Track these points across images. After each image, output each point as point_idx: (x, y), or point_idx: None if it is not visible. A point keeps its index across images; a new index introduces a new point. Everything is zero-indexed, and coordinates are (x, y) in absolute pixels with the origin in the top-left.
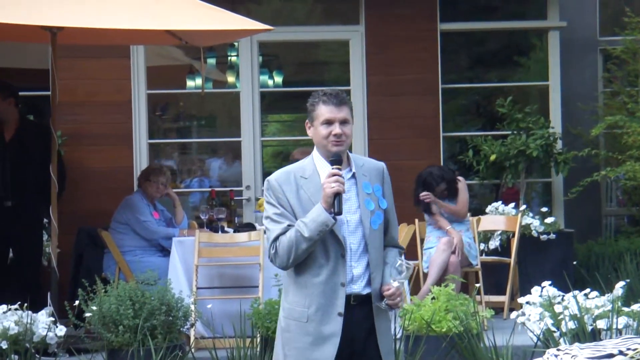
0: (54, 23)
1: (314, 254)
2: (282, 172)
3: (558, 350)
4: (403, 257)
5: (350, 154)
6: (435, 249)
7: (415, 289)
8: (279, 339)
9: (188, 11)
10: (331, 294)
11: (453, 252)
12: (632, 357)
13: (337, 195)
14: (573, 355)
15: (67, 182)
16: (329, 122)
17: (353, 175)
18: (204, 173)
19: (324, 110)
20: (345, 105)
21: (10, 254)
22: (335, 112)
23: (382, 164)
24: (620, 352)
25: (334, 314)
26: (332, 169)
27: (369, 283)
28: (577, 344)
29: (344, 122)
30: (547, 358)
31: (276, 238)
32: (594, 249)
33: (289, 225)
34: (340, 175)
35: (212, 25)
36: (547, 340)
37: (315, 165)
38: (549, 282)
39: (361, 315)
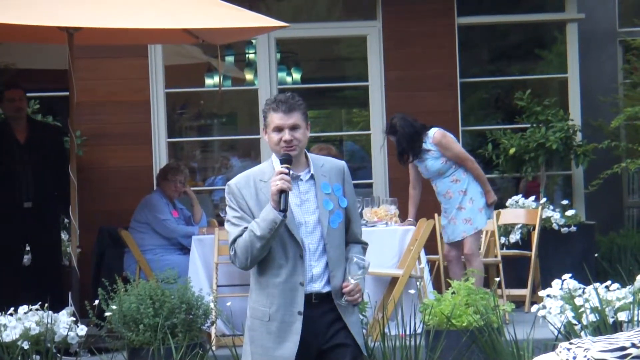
0: (71, 24)
1: (273, 255)
2: (242, 177)
3: (570, 343)
4: (361, 253)
5: (310, 155)
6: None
7: (436, 284)
8: (247, 337)
9: (203, 9)
10: (291, 294)
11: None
12: None
13: (283, 193)
14: (585, 349)
15: (88, 182)
16: (279, 129)
17: (312, 177)
18: (228, 170)
19: (274, 118)
20: (295, 111)
21: (29, 255)
22: (284, 119)
23: (342, 163)
24: (633, 345)
25: (294, 312)
26: (281, 167)
27: (329, 281)
28: (589, 337)
29: (293, 127)
30: (560, 351)
31: (234, 240)
32: (616, 240)
33: (245, 228)
34: (286, 174)
35: (227, 23)
36: (568, 333)
37: (273, 169)
38: (570, 275)
39: (322, 312)
